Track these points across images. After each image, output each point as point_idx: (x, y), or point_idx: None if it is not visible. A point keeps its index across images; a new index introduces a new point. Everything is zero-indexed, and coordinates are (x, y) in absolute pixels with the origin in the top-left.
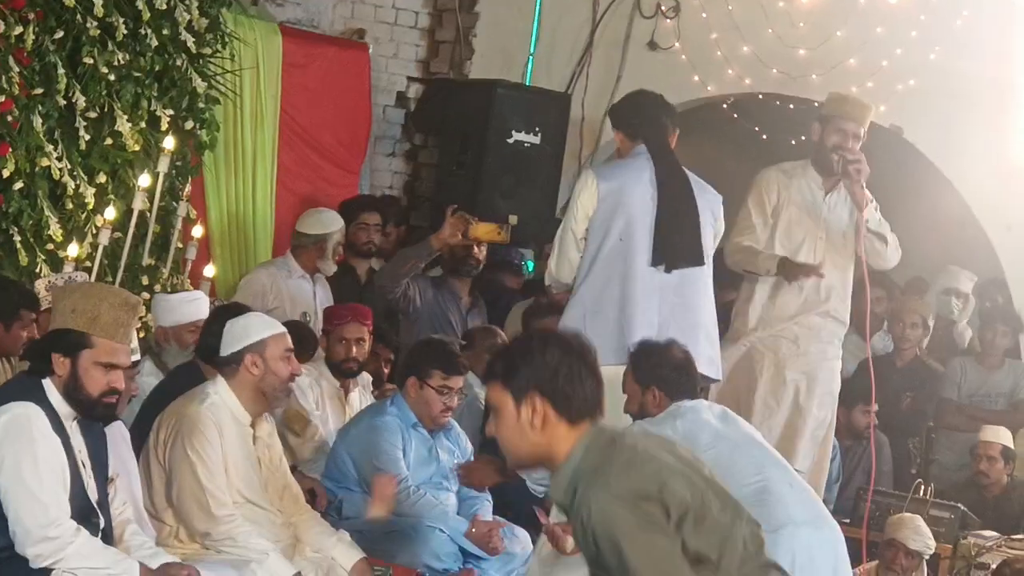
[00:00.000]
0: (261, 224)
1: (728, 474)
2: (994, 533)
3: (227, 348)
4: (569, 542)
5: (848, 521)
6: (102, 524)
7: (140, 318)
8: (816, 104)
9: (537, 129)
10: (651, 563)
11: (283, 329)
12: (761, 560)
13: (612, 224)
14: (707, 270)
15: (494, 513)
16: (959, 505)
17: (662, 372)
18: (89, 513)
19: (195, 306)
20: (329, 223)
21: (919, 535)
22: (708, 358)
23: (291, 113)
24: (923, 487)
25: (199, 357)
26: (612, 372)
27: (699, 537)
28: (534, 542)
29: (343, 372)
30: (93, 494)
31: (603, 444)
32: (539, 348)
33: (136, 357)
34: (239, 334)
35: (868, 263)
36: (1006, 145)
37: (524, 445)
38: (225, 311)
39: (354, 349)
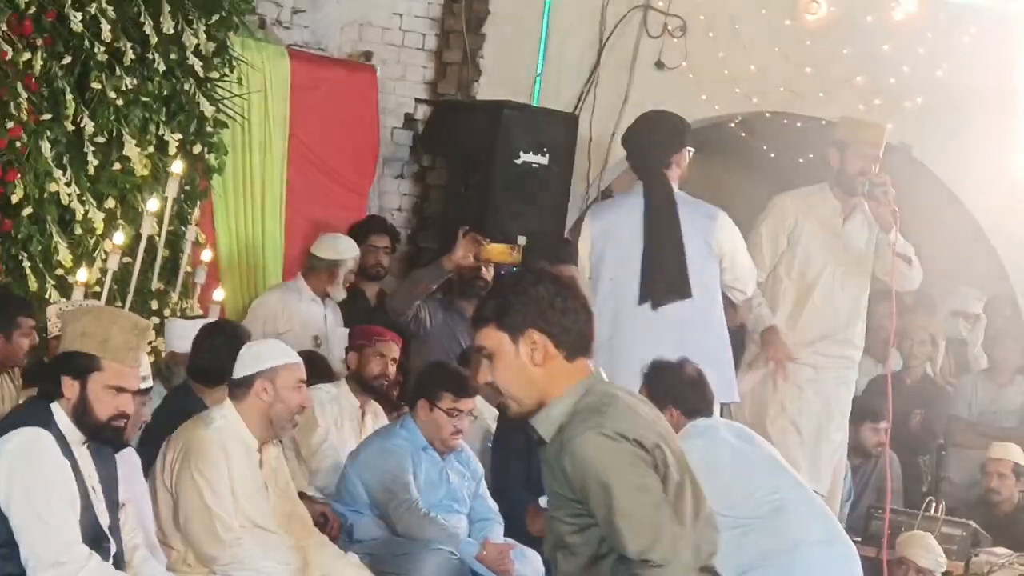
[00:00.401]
0: (271, 247)
1: (746, 492)
2: (1006, 550)
3: (239, 372)
4: None
5: (859, 540)
6: (113, 550)
7: (150, 343)
8: (823, 122)
9: (545, 150)
10: (639, 502)
11: (297, 359)
12: (703, 564)
13: (603, 265)
14: (706, 297)
15: (505, 535)
16: (970, 522)
17: (677, 390)
18: (100, 538)
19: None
20: (344, 250)
21: (930, 552)
22: (715, 384)
23: (299, 136)
24: (934, 504)
25: (190, 377)
26: None
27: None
28: (544, 563)
29: (373, 389)
30: (104, 519)
31: (601, 392)
32: (531, 284)
33: (148, 384)
34: (252, 359)
35: (894, 285)
36: (1013, 160)
37: (525, 383)
38: (214, 329)
39: (389, 367)
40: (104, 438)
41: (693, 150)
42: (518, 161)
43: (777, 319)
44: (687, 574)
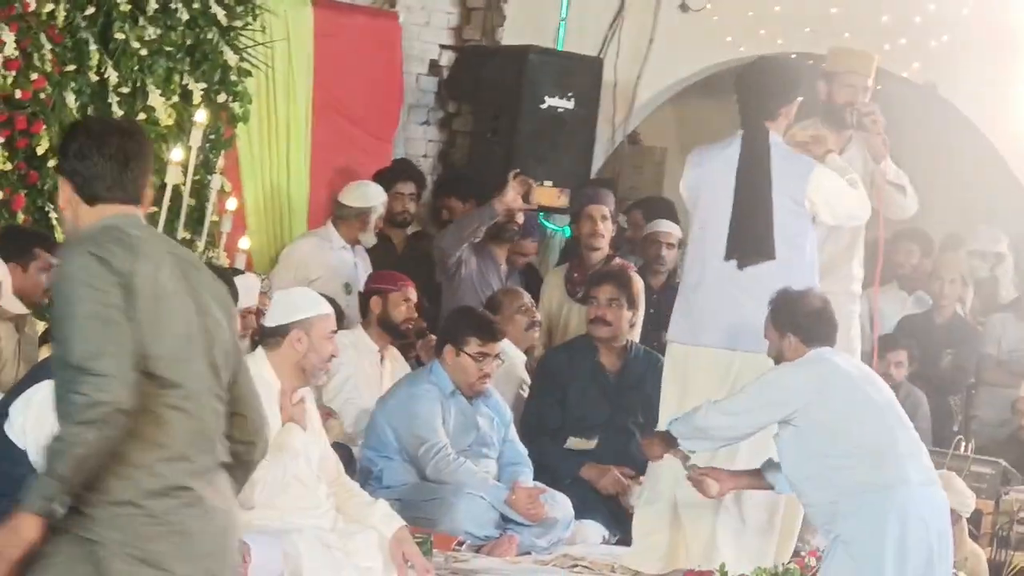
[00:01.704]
0: (297, 195)
1: (858, 422)
2: None
3: (273, 320)
4: (713, 486)
5: None
6: None
7: None
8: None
9: (570, 94)
10: (74, 314)
11: (330, 309)
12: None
13: (696, 212)
14: (794, 256)
15: (535, 479)
16: (1000, 461)
17: (797, 319)
18: None
19: (243, 288)
20: (373, 196)
21: (955, 493)
22: None
23: (323, 84)
24: (963, 444)
25: None
26: (679, 351)
27: (168, 363)
28: (575, 507)
29: (400, 333)
30: None
31: (115, 225)
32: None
33: None
34: (288, 308)
35: (887, 215)
36: None
37: (71, 221)
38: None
39: (414, 310)
40: None
41: (802, 99)
42: (543, 106)
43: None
44: (125, 391)
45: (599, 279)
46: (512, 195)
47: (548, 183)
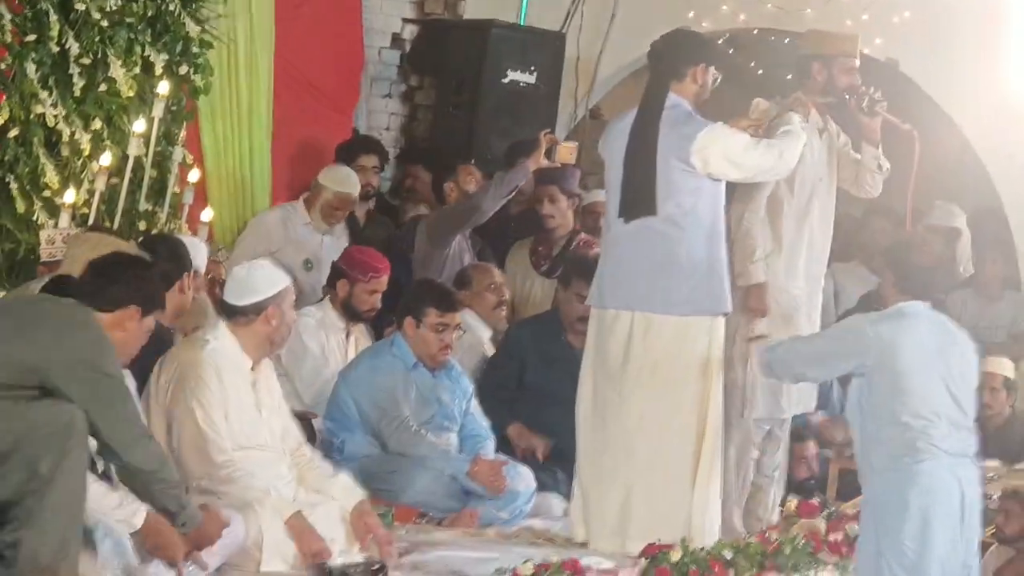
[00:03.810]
0: (258, 167)
1: (918, 386)
2: (997, 463)
3: (244, 298)
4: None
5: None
6: (101, 468)
7: None
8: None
9: (532, 68)
10: None
11: (290, 278)
12: None
13: (605, 177)
14: (687, 214)
15: (497, 451)
16: None
17: (902, 268)
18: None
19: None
20: (353, 184)
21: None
22: (703, 298)
23: (285, 56)
24: None
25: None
26: (594, 314)
27: None
28: (538, 480)
29: (361, 318)
30: (91, 442)
31: None
32: None
33: None
34: (259, 285)
35: (857, 193)
36: (1002, 73)
37: None
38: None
39: (378, 301)
40: None
41: (720, 77)
42: (505, 80)
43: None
44: None
45: (586, 272)
46: (543, 153)
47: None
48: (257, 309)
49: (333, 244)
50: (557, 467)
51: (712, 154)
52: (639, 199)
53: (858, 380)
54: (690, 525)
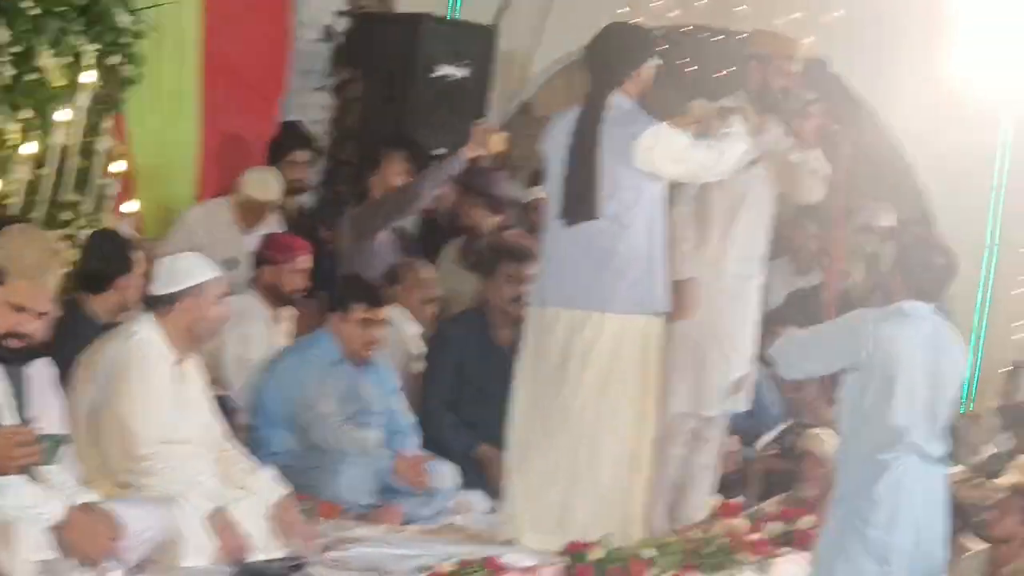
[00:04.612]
0: (184, 159)
1: (907, 387)
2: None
3: (165, 287)
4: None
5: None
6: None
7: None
8: (743, 36)
9: (464, 62)
10: None
11: (219, 273)
12: None
13: (546, 176)
14: (628, 213)
15: (424, 448)
16: None
17: (909, 263)
18: None
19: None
20: (274, 189)
21: (826, 441)
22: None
23: (212, 45)
24: None
25: (79, 288)
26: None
27: None
28: (461, 477)
29: (290, 301)
30: None
31: None
32: None
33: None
34: (180, 275)
35: (797, 199)
36: (933, 74)
37: None
38: (101, 237)
39: (306, 279)
40: None
41: (660, 62)
42: (437, 74)
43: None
44: None
45: (519, 256)
46: (479, 143)
47: (441, 150)
48: (172, 299)
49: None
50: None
51: (656, 153)
52: (580, 203)
53: (851, 375)
54: (630, 521)
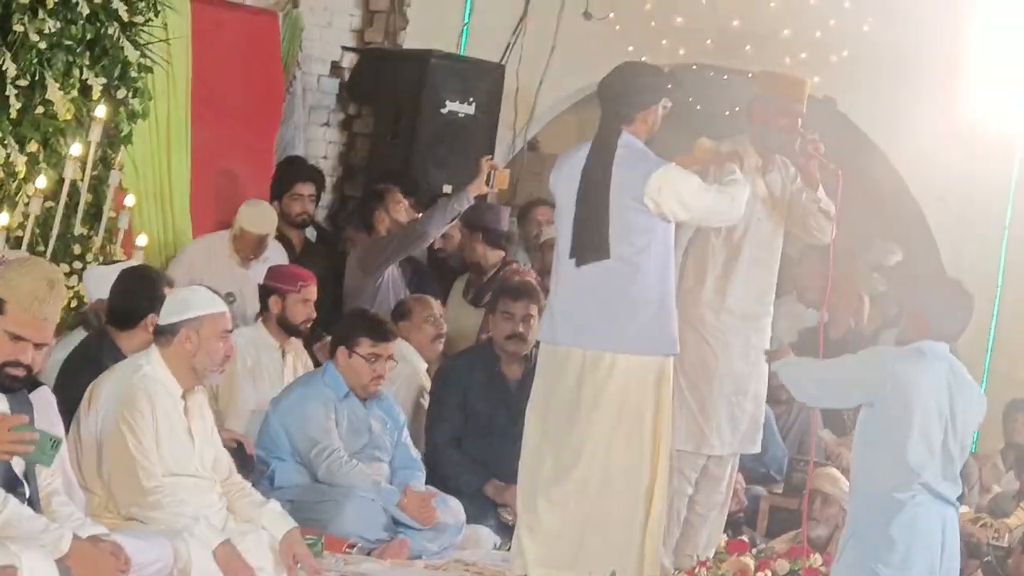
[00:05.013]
0: (179, 194)
1: (923, 426)
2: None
3: (165, 319)
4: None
5: (780, 492)
6: (28, 494)
7: (72, 289)
8: (750, 75)
9: (471, 99)
10: None
11: (223, 308)
12: None
13: (556, 213)
14: (639, 254)
15: (429, 484)
16: None
17: (926, 301)
18: (14, 483)
19: (95, 279)
20: (269, 224)
21: (836, 483)
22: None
23: (203, 82)
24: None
25: (108, 323)
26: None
27: None
28: (468, 512)
29: (298, 332)
30: (17, 465)
31: None
32: None
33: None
34: (179, 306)
35: (808, 240)
36: (939, 115)
37: None
38: (130, 272)
39: (313, 309)
40: None
41: (670, 104)
42: (444, 111)
43: (708, 279)
44: None
45: (515, 294)
46: (483, 180)
47: (447, 188)
48: (173, 330)
49: (258, 277)
50: (489, 500)
51: (665, 195)
52: (591, 243)
53: (866, 411)
54: (640, 559)
